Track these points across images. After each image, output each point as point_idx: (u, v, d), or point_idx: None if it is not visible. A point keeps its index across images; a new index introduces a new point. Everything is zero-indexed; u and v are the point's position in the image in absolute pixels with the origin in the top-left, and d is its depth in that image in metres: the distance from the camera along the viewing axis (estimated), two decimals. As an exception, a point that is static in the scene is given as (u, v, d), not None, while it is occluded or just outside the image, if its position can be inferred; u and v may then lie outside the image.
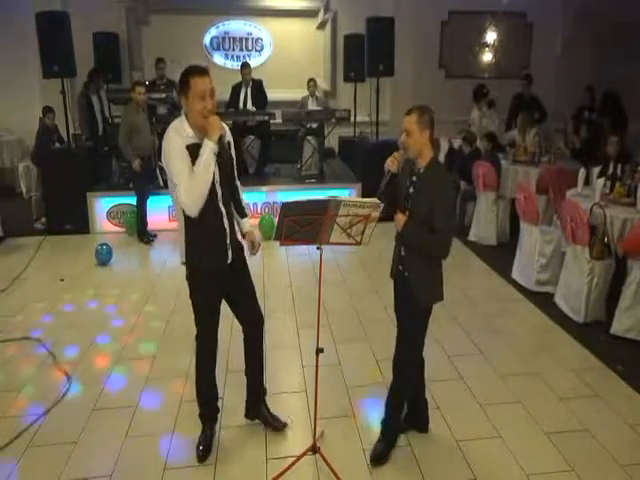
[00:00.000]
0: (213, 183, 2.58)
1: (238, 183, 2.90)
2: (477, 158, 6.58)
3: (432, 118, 2.62)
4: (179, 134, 2.56)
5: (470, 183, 6.66)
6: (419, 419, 3.09)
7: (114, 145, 6.70)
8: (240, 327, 3.01)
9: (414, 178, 2.68)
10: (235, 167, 2.82)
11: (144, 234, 6.51)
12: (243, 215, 2.91)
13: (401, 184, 2.73)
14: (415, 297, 2.71)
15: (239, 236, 2.87)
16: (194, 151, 2.53)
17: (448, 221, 2.63)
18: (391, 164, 2.67)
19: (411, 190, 2.68)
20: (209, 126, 2.52)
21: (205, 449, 2.91)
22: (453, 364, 3.80)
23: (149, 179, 6.55)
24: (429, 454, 2.91)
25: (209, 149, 2.51)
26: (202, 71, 2.54)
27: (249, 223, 2.94)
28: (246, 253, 2.89)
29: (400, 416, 2.96)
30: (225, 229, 2.72)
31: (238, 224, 2.89)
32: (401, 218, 2.66)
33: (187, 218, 2.61)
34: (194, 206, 2.52)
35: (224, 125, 2.63)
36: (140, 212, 6.48)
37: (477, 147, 6.91)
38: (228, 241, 2.74)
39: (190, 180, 2.50)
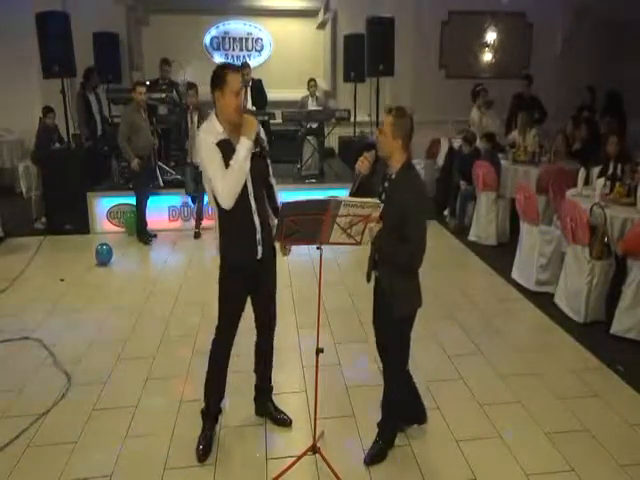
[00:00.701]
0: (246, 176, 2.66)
1: (273, 181, 2.95)
2: (477, 158, 6.58)
3: (410, 125, 2.53)
4: (209, 133, 2.66)
5: (470, 183, 6.66)
6: (414, 412, 3.07)
7: (114, 145, 6.70)
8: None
9: (386, 183, 2.64)
10: (269, 165, 2.87)
11: (144, 234, 6.51)
12: (276, 215, 2.88)
13: (376, 187, 2.67)
14: (389, 307, 2.65)
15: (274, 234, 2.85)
16: (224, 147, 2.63)
17: (419, 230, 2.53)
18: (361, 165, 2.62)
19: (383, 196, 2.62)
20: (246, 125, 2.62)
21: (205, 449, 2.91)
22: (453, 364, 3.80)
23: (149, 179, 6.56)
24: (429, 454, 2.91)
25: (246, 147, 2.61)
26: (237, 68, 2.69)
27: None
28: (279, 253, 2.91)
29: (396, 420, 2.95)
30: (255, 224, 2.75)
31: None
32: (373, 228, 2.53)
33: (220, 211, 2.72)
34: (230, 199, 2.62)
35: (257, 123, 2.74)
36: (139, 212, 6.48)
37: (477, 147, 6.91)
38: (258, 237, 2.77)
39: (226, 175, 2.60)
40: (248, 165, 2.63)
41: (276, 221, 2.84)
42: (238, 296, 2.88)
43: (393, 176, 2.60)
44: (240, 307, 2.90)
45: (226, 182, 2.60)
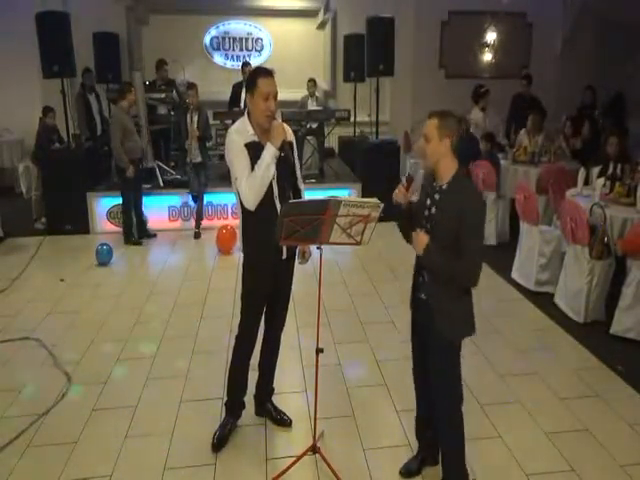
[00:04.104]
0: (271, 179, 2.68)
1: (301, 186, 2.97)
2: (476, 155, 6.59)
3: (456, 125, 2.29)
4: (240, 134, 2.70)
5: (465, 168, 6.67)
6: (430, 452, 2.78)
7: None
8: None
9: (436, 196, 2.34)
10: (299, 168, 2.92)
11: (130, 235, 6.42)
12: None
13: (419, 202, 2.45)
14: (438, 329, 2.36)
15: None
16: (253, 149, 2.67)
17: (477, 244, 2.25)
18: (398, 195, 2.44)
19: (433, 210, 2.34)
20: (273, 132, 2.65)
21: (220, 439, 2.94)
22: (453, 364, 3.80)
23: (138, 181, 6.44)
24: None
25: (271, 154, 2.63)
26: (268, 73, 2.71)
27: None
28: (297, 259, 2.96)
29: (462, 470, 2.57)
30: None
31: None
32: (423, 239, 2.29)
33: (244, 211, 2.74)
34: (253, 201, 2.65)
35: (287, 127, 2.79)
36: (125, 215, 6.39)
37: (474, 136, 6.93)
38: None
39: (250, 178, 2.63)
40: (272, 171, 2.64)
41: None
42: (261, 294, 2.90)
43: (444, 186, 2.31)
44: (262, 305, 2.93)
45: (249, 185, 2.63)
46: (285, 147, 2.69)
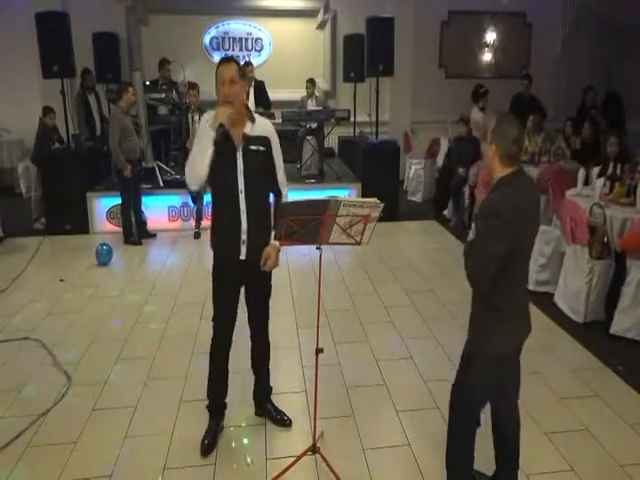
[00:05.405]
0: (235, 171, 2.65)
1: (283, 189, 2.84)
2: (477, 147, 6.64)
3: (507, 130, 2.17)
4: (209, 118, 2.66)
5: (466, 167, 6.73)
6: None
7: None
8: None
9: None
10: (280, 168, 2.81)
11: (130, 235, 6.43)
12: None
13: None
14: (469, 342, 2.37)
15: (271, 240, 2.76)
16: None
17: (482, 250, 2.18)
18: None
19: None
20: (216, 113, 2.61)
21: (209, 444, 2.92)
22: (453, 364, 3.79)
23: (137, 181, 6.44)
24: (429, 454, 2.91)
25: (207, 135, 2.59)
26: (226, 59, 2.68)
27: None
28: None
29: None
30: (241, 224, 2.70)
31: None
32: None
33: (212, 200, 2.77)
34: (190, 180, 2.66)
35: (265, 122, 2.76)
36: (124, 215, 6.39)
37: (475, 136, 6.97)
38: (244, 237, 2.72)
39: (190, 155, 2.65)
40: (207, 153, 2.56)
41: (273, 232, 2.77)
42: (226, 292, 2.84)
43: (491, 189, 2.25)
44: (230, 303, 2.86)
45: (188, 163, 2.65)
46: (225, 135, 2.58)
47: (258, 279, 2.86)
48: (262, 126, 2.74)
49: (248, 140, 2.67)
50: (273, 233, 2.75)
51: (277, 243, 2.71)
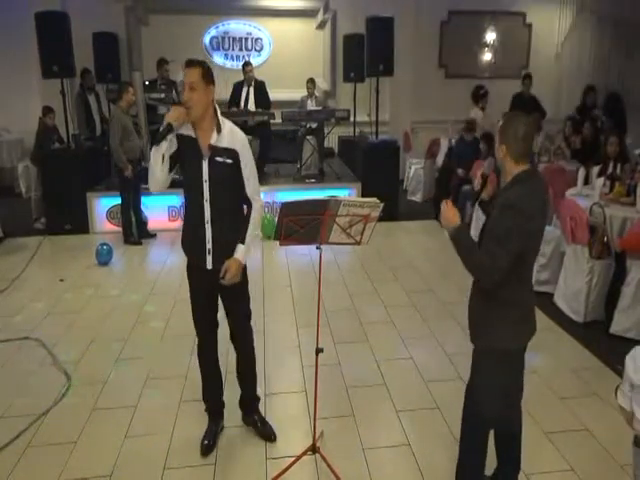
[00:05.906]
0: (200, 179, 2.60)
1: (256, 202, 2.71)
2: (476, 148, 6.63)
3: (515, 129, 2.18)
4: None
5: (467, 172, 6.72)
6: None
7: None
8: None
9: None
10: (251, 179, 2.67)
11: (130, 235, 6.43)
12: (243, 239, 2.67)
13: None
14: (472, 335, 2.38)
15: (237, 252, 2.65)
16: (183, 141, 2.61)
17: (498, 246, 2.11)
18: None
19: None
20: (168, 112, 2.56)
21: (209, 444, 2.92)
22: (453, 364, 3.80)
23: (137, 181, 6.40)
24: (429, 454, 2.91)
25: (160, 135, 2.53)
26: (190, 63, 2.55)
27: (240, 250, 2.66)
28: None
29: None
30: (206, 234, 2.64)
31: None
32: (452, 214, 2.23)
33: (184, 204, 2.75)
34: (149, 182, 2.66)
35: (236, 131, 2.65)
36: (124, 215, 6.39)
37: (476, 137, 6.94)
38: (209, 247, 2.64)
39: (151, 160, 2.59)
40: (159, 153, 2.52)
41: (238, 245, 2.65)
42: (200, 297, 2.80)
43: (502, 189, 2.26)
44: (205, 308, 2.81)
45: (150, 165, 2.60)
46: (169, 131, 2.49)
47: (231, 292, 2.75)
48: (231, 136, 2.62)
49: (214, 151, 2.58)
50: (241, 246, 2.65)
51: (241, 258, 2.64)
